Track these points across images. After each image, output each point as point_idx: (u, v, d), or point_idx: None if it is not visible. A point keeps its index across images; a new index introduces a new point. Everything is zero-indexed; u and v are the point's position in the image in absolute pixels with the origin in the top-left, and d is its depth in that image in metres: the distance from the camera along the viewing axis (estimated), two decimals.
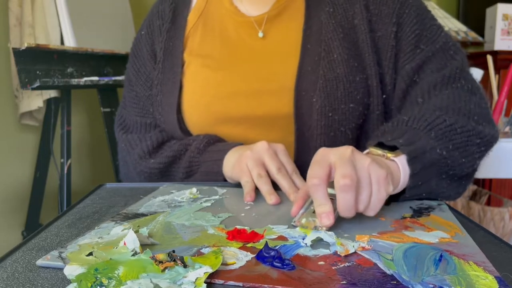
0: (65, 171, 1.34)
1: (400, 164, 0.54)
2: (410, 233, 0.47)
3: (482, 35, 1.85)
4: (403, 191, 0.56)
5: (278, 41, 0.74)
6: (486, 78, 1.25)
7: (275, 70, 0.72)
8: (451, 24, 1.81)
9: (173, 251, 0.38)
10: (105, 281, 0.34)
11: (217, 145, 0.72)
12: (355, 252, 0.41)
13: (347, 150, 0.48)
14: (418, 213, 0.53)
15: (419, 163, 0.54)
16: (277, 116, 0.71)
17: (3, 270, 0.38)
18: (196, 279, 0.35)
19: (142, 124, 0.79)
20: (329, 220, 0.45)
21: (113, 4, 1.62)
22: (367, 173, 0.47)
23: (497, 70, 1.59)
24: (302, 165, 0.67)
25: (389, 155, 0.54)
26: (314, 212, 0.47)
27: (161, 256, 0.37)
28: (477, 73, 1.27)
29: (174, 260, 0.36)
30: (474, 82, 0.69)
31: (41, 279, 0.36)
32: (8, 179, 1.52)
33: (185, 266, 0.36)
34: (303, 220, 0.48)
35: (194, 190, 0.64)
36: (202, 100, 0.74)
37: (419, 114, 0.60)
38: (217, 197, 0.61)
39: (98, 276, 0.35)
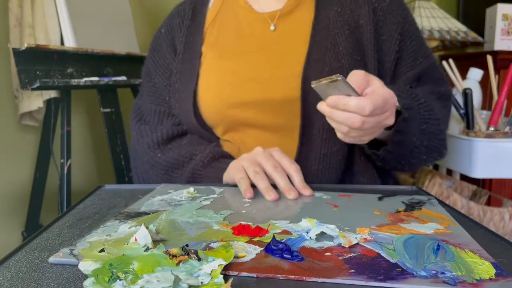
0: (65, 172, 1.34)
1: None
2: (406, 225, 0.49)
3: (482, 35, 1.85)
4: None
5: (289, 34, 0.80)
6: (486, 78, 1.26)
7: (284, 59, 0.78)
8: (451, 24, 1.81)
9: (187, 245, 0.39)
10: (121, 275, 0.34)
11: (220, 161, 0.75)
12: (358, 244, 0.43)
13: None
14: (411, 207, 0.57)
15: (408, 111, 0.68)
16: (285, 100, 0.76)
17: (6, 270, 0.38)
18: (211, 271, 0.35)
19: (156, 112, 0.85)
20: None
21: (113, 4, 1.62)
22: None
23: (497, 70, 1.60)
24: (306, 143, 0.75)
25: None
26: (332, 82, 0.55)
27: (174, 250, 0.38)
28: (477, 73, 1.27)
29: (188, 254, 0.37)
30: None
31: (46, 278, 0.36)
32: (8, 179, 1.52)
33: (199, 259, 0.37)
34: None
35: (191, 189, 0.65)
36: (216, 86, 0.80)
37: (422, 98, 0.73)
38: (215, 195, 0.62)
39: (114, 270, 0.35)
